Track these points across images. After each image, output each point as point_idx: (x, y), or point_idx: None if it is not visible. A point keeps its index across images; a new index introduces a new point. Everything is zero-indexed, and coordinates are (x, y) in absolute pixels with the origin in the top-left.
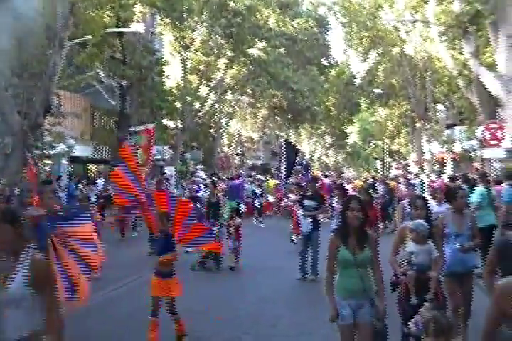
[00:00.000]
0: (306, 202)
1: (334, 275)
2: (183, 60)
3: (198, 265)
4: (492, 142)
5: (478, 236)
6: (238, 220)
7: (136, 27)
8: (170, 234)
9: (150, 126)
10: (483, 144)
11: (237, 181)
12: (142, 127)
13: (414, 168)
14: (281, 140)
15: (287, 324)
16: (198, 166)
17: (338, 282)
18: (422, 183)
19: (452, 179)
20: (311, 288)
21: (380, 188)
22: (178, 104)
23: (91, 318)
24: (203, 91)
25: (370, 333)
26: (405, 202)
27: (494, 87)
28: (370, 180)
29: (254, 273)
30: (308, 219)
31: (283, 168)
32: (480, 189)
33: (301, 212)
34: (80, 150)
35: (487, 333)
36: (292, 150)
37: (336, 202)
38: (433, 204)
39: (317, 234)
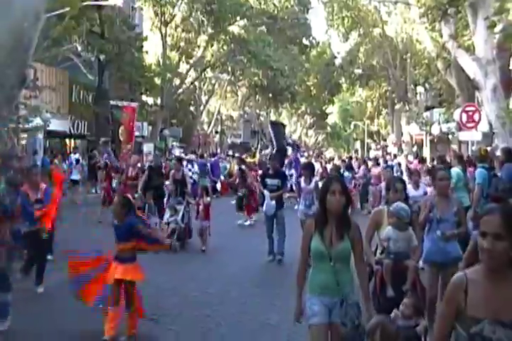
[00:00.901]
0: (269, 181)
1: (307, 267)
2: (163, 36)
3: None
4: (469, 125)
5: (465, 224)
6: (207, 199)
7: (115, 0)
8: (131, 222)
9: (133, 104)
10: (460, 127)
11: (212, 160)
12: (125, 103)
13: (393, 149)
14: (262, 119)
15: (256, 302)
16: (174, 143)
17: (310, 276)
18: (400, 165)
19: (422, 160)
20: (278, 269)
21: (362, 168)
22: (157, 81)
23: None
24: (183, 68)
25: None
26: (383, 185)
27: (472, 69)
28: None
29: (222, 254)
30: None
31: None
32: (456, 170)
33: (265, 192)
34: (57, 125)
35: (442, 337)
36: (279, 130)
37: (303, 182)
38: (409, 188)
39: (281, 212)
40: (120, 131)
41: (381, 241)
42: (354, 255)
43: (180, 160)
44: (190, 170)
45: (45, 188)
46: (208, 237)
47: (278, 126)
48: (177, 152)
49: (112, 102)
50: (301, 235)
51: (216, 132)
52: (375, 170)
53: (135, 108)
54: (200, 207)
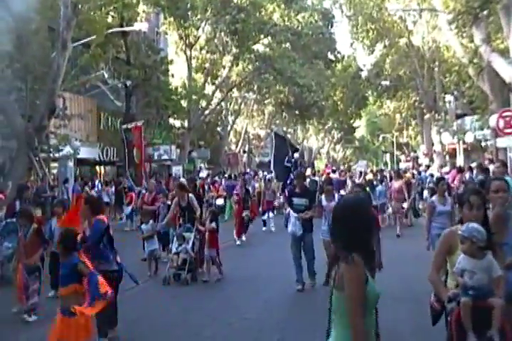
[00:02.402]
0: (296, 201)
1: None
2: (188, 59)
3: (171, 278)
4: (506, 130)
5: None
6: (213, 225)
7: (140, 26)
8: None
9: (139, 123)
10: (497, 133)
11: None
12: (133, 124)
13: (424, 160)
14: (289, 136)
15: (296, 328)
16: (201, 165)
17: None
18: (432, 176)
19: (460, 169)
20: (311, 292)
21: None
22: (183, 103)
23: None
24: (209, 89)
25: None
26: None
27: (507, 73)
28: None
29: (241, 285)
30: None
31: (272, 162)
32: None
33: (292, 213)
34: (87, 152)
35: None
36: (283, 144)
37: (324, 200)
38: (435, 202)
39: (310, 236)
40: (134, 153)
41: (453, 273)
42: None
43: (182, 186)
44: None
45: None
46: (212, 267)
47: (283, 140)
48: (205, 174)
49: (123, 126)
50: (325, 257)
51: (244, 151)
52: (396, 184)
53: (141, 126)
54: (206, 234)
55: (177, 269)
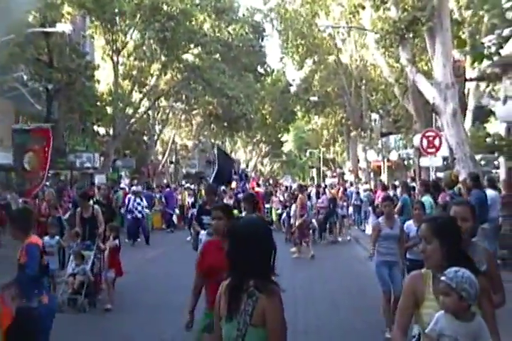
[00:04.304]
0: (206, 220)
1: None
2: (115, 65)
3: (65, 304)
4: (429, 150)
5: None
6: (115, 242)
7: (63, 27)
8: None
9: (45, 126)
10: (420, 152)
11: (166, 191)
12: (33, 126)
13: (349, 177)
14: (215, 150)
15: None
16: (122, 173)
17: None
18: (358, 193)
19: (384, 187)
20: None
21: (323, 197)
22: (109, 110)
23: None
24: (136, 97)
25: None
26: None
27: (431, 94)
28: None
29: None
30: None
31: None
32: (427, 199)
33: (201, 232)
34: (0, 157)
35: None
36: (226, 158)
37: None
38: (382, 225)
39: None
40: (27, 158)
41: (425, 336)
42: None
43: (86, 195)
44: (139, 204)
45: None
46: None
47: (225, 155)
48: (126, 181)
49: (13, 126)
50: None
51: (171, 162)
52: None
53: (48, 131)
54: (106, 253)
55: (73, 293)
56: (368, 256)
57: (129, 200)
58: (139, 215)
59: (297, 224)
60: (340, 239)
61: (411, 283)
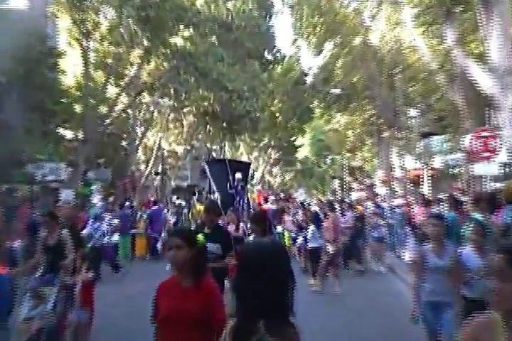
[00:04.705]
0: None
1: None
2: (85, 51)
3: None
4: (483, 154)
5: None
6: (89, 275)
7: (16, 2)
8: None
9: None
10: (472, 157)
11: (153, 208)
12: None
13: (381, 189)
14: (215, 155)
15: None
16: (94, 187)
17: None
18: (392, 209)
19: (427, 202)
20: None
21: (348, 215)
22: (78, 109)
23: None
24: (112, 92)
25: None
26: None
27: (486, 83)
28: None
29: None
30: None
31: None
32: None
33: None
34: None
35: None
36: (222, 169)
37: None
38: (430, 254)
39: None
40: None
41: None
42: None
43: (52, 215)
44: (97, 229)
45: None
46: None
47: (218, 164)
48: (97, 198)
49: None
50: None
51: (156, 173)
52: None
53: None
54: (77, 288)
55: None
56: (410, 317)
57: (85, 225)
58: (97, 243)
59: (331, 251)
60: (375, 268)
61: (473, 332)
